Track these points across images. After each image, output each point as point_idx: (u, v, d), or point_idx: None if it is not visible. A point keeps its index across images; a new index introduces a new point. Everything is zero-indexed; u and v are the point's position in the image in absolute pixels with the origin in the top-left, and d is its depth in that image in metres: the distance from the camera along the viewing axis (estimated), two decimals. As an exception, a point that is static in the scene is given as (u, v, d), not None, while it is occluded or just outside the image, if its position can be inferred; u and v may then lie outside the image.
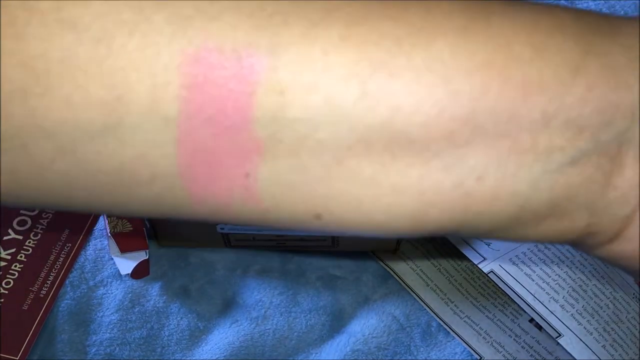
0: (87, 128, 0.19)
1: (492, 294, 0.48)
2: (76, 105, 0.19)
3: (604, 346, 0.45)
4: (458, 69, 0.19)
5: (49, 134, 0.20)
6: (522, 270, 0.48)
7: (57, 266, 0.47)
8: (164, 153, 0.20)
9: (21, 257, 0.47)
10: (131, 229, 0.46)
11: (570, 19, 0.21)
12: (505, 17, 0.20)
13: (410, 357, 0.45)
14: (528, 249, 0.48)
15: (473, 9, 0.20)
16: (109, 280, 0.47)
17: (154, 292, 0.47)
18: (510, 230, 0.22)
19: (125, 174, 0.20)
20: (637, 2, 0.62)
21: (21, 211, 0.49)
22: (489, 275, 0.47)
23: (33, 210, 0.49)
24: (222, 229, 0.46)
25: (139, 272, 0.47)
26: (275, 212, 0.21)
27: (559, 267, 0.48)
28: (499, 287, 0.47)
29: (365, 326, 0.46)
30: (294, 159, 0.20)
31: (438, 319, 0.47)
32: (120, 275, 0.47)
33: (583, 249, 0.24)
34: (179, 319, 0.46)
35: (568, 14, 0.21)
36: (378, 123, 0.20)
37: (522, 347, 0.45)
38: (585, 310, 0.46)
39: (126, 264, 0.47)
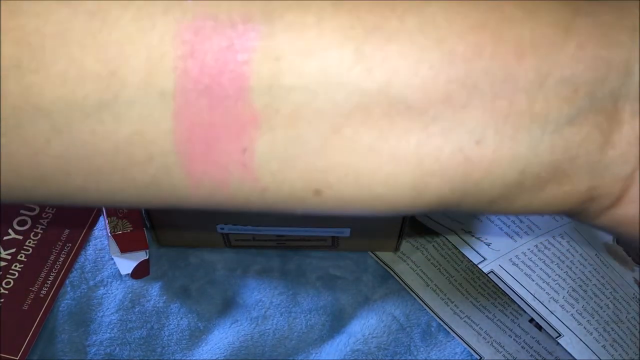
0: (83, 104, 0.19)
1: (492, 294, 0.48)
2: (71, 81, 0.19)
3: (604, 346, 0.45)
4: (451, 31, 0.20)
5: (44, 112, 0.19)
6: (522, 270, 0.48)
7: (57, 266, 0.47)
8: (161, 129, 0.20)
9: (21, 257, 0.47)
10: (131, 228, 0.46)
11: None
12: None
13: (410, 357, 0.45)
14: (528, 249, 0.48)
15: None
16: (109, 280, 0.47)
17: (154, 292, 0.47)
18: (512, 199, 0.22)
19: (120, 154, 0.20)
20: None
21: (21, 211, 0.49)
22: (488, 275, 0.47)
23: (33, 210, 0.49)
24: (222, 229, 0.46)
25: (139, 272, 0.47)
26: (273, 190, 0.21)
27: (559, 267, 0.48)
28: (499, 287, 0.47)
29: (365, 326, 0.46)
30: (291, 129, 0.20)
31: (438, 319, 0.47)
32: (120, 275, 0.47)
33: (586, 219, 0.23)
34: (179, 319, 0.46)
35: None
36: (375, 88, 0.20)
37: (522, 347, 0.45)
38: (585, 310, 0.46)
39: (126, 264, 0.47)
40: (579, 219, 0.23)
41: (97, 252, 0.49)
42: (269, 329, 0.46)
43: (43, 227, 0.49)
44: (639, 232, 0.23)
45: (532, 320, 0.46)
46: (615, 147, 0.21)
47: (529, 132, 0.20)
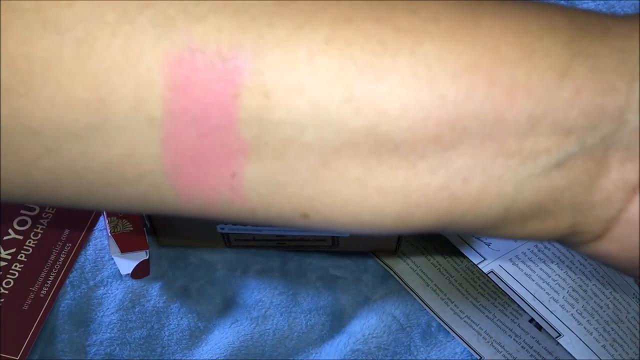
0: (72, 128, 0.19)
1: (492, 294, 0.48)
2: (60, 106, 0.19)
3: (604, 346, 0.45)
4: (444, 73, 0.19)
5: (34, 133, 0.20)
6: (522, 270, 0.48)
7: (57, 266, 0.47)
8: (149, 153, 0.20)
9: (21, 257, 0.47)
10: (131, 228, 0.46)
11: (561, 19, 0.20)
12: (494, 18, 0.20)
13: (410, 357, 0.45)
14: (528, 249, 0.48)
15: (462, 9, 0.20)
16: (109, 280, 0.47)
17: (154, 292, 0.47)
18: (495, 230, 0.22)
19: (111, 172, 0.20)
20: (637, 2, 0.62)
21: (21, 211, 0.49)
22: (488, 275, 0.47)
23: (33, 210, 0.50)
24: (222, 229, 0.46)
25: (139, 272, 0.47)
26: (262, 211, 0.21)
27: (559, 267, 0.48)
28: (499, 287, 0.47)
29: (365, 326, 0.46)
30: (280, 160, 0.20)
31: (438, 319, 0.47)
32: (120, 275, 0.47)
33: (569, 246, 0.24)
34: (179, 319, 0.46)
35: (559, 14, 0.21)
36: (364, 127, 0.19)
37: (522, 347, 0.45)
38: (585, 310, 0.46)
39: (126, 264, 0.47)
40: (563, 245, 0.24)
41: (97, 252, 0.49)
42: (269, 329, 0.46)
43: (43, 227, 0.49)
44: (618, 267, 0.23)
45: (532, 320, 0.46)
46: (601, 191, 0.21)
47: (516, 172, 0.20)
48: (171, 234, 0.48)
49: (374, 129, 0.20)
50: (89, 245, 0.49)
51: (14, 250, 0.47)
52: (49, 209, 0.50)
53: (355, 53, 0.19)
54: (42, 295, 0.46)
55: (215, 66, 0.19)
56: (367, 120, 0.19)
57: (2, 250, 0.47)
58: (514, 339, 0.46)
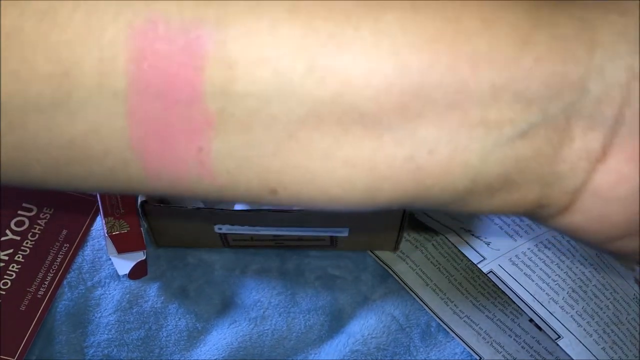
0: (36, 102, 0.19)
1: (492, 294, 0.47)
2: (23, 80, 0.19)
3: (603, 348, 0.44)
4: (407, 43, 0.20)
5: None
6: (521, 270, 0.47)
7: (54, 267, 0.47)
8: (115, 127, 0.20)
9: (19, 257, 0.47)
10: (129, 229, 0.46)
11: None
12: None
13: (409, 358, 0.45)
14: (528, 249, 0.48)
15: None
16: (107, 280, 0.47)
17: (152, 293, 0.47)
18: (463, 203, 0.22)
19: (77, 148, 0.20)
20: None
21: (19, 212, 0.49)
22: (488, 275, 0.47)
23: (31, 211, 0.49)
24: (220, 229, 0.46)
25: (137, 272, 0.47)
26: (230, 187, 0.22)
27: (559, 267, 0.48)
28: (499, 287, 0.47)
29: (365, 326, 0.46)
30: (246, 133, 0.20)
31: (437, 319, 0.46)
32: (118, 275, 0.47)
33: (537, 220, 0.24)
34: (177, 319, 0.46)
35: None
36: (328, 97, 0.20)
37: (522, 347, 0.45)
38: (585, 311, 0.46)
39: (124, 265, 0.47)
40: (531, 219, 0.24)
41: (94, 252, 0.48)
42: (267, 329, 0.46)
43: (41, 227, 0.49)
44: (584, 239, 0.23)
45: (532, 320, 0.46)
46: (565, 161, 0.21)
47: (481, 143, 0.21)
48: (169, 234, 0.47)
49: (338, 99, 0.20)
50: (87, 245, 0.49)
51: (11, 251, 0.47)
52: (46, 210, 0.50)
53: (318, 23, 0.19)
54: (39, 296, 0.46)
55: (178, 38, 0.19)
56: (331, 90, 0.20)
57: (-1, 252, 0.47)
58: (513, 339, 0.45)
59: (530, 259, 0.48)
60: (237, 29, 0.19)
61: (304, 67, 0.19)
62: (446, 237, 0.50)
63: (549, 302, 0.46)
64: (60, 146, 0.20)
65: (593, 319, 0.45)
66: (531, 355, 0.45)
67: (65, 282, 0.47)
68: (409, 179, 0.21)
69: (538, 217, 0.24)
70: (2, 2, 0.19)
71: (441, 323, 0.46)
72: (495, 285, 0.47)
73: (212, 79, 0.19)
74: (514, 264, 0.48)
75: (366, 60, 0.19)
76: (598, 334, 0.45)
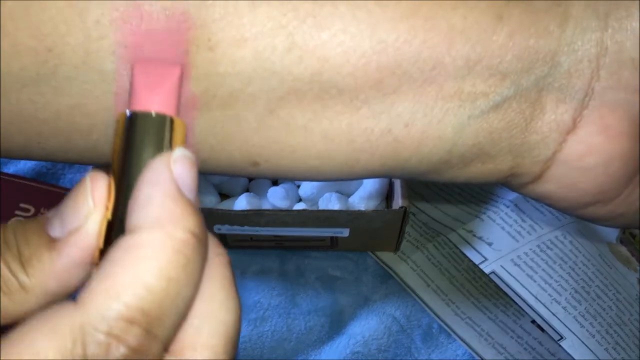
0: (20, 76, 0.20)
1: (494, 295, 0.47)
2: (6, 54, 0.19)
3: (606, 349, 0.44)
4: (384, 18, 0.20)
5: None
6: (524, 271, 0.47)
7: (52, 268, 0.47)
8: (102, 105, 0.20)
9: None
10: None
11: None
12: None
13: (410, 359, 0.45)
14: (530, 249, 0.48)
15: None
16: (106, 281, 0.47)
17: (150, 294, 0.46)
18: (439, 173, 0.23)
19: (62, 122, 0.21)
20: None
21: (17, 212, 0.49)
22: (490, 276, 0.47)
23: (29, 212, 0.49)
24: (219, 229, 0.45)
25: (136, 273, 0.46)
26: (213, 161, 0.22)
27: (561, 267, 0.47)
28: (501, 288, 0.47)
29: (365, 328, 0.46)
30: (228, 110, 0.21)
31: (439, 320, 0.46)
32: (116, 276, 0.47)
33: (512, 188, 0.25)
34: (176, 321, 0.45)
35: None
36: (307, 75, 0.20)
37: (525, 348, 0.45)
38: (588, 312, 0.45)
39: (123, 266, 0.46)
40: (505, 187, 0.25)
41: (93, 253, 0.48)
42: (267, 330, 0.45)
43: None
44: (556, 205, 0.24)
45: (534, 321, 0.46)
46: (537, 133, 0.22)
47: (455, 115, 0.21)
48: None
49: (317, 77, 0.20)
50: (85, 246, 0.48)
51: (9, 251, 0.47)
52: (44, 210, 0.49)
53: (296, 2, 0.20)
54: (37, 298, 0.45)
55: (162, 21, 0.19)
56: (310, 68, 0.20)
57: (-4, 252, 0.46)
58: (515, 340, 0.45)
59: (532, 259, 0.47)
60: (216, 10, 0.19)
61: (283, 46, 0.20)
62: (447, 238, 0.49)
63: (551, 302, 0.46)
64: (45, 119, 0.21)
65: (596, 320, 0.45)
66: (533, 357, 0.44)
67: (63, 283, 0.47)
68: (386, 151, 0.22)
69: (511, 185, 0.24)
70: None
71: (442, 324, 0.46)
72: (497, 286, 0.47)
73: (195, 62, 0.20)
74: (516, 264, 0.47)
75: (344, 38, 0.20)
76: (601, 335, 0.44)
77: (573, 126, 0.22)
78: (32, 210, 0.49)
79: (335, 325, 0.46)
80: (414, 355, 0.45)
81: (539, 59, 0.21)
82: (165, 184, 0.18)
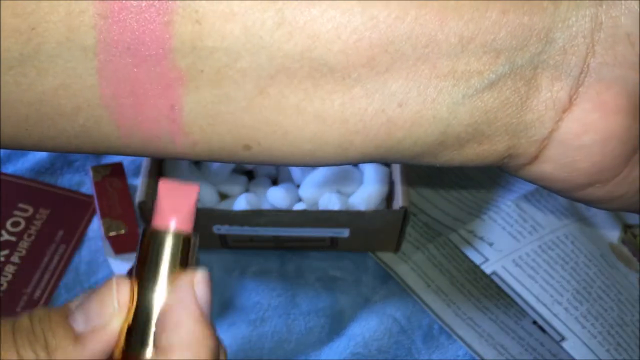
0: (4, 57, 0.19)
1: (495, 295, 0.47)
2: None
3: (608, 350, 0.44)
4: None
5: None
6: (525, 271, 0.47)
7: (51, 268, 0.46)
8: (86, 84, 0.20)
9: (15, 259, 0.46)
10: (126, 230, 0.45)
11: None
12: None
13: (411, 360, 0.44)
14: (531, 250, 0.48)
15: None
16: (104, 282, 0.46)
17: (149, 294, 0.46)
18: (434, 155, 0.23)
19: (47, 105, 0.21)
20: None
21: (15, 212, 0.49)
22: (491, 276, 0.47)
23: (27, 212, 0.49)
24: (219, 229, 0.45)
25: (135, 273, 0.46)
26: (204, 144, 0.22)
27: (562, 268, 0.47)
28: (502, 289, 0.46)
29: (366, 328, 0.45)
30: (217, 88, 0.20)
31: (440, 321, 0.46)
32: (115, 277, 0.47)
33: (507, 170, 0.24)
34: (175, 321, 0.45)
35: None
36: (297, 52, 0.20)
37: (526, 349, 0.44)
38: (589, 313, 0.45)
39: (121, 266, 0.46)
40: (502, 170, 0.25)
41: (91, 253, 0.48)
42: (267, 331, 0.45)
43: (37, 228, 0.48)
44: (554, 187, 0.24)
45: (535, 322, 0.45)
46: (532, 111, 0.22)
47: (450, 94, 0.21)
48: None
49: (308, 53, 0.20)
50: (83, 246, 0.48)
51: (7, 252, 0.46)
52: (43, 210, 0.49)
53: None
54: (35, 298, 0.45)
55: None
56: (300, 44, 0.20)
57: (-6, 253, 0.46)
58: (517, 341, 0.45)
59: (533, 260, 0.47)
60: None
61: (273, 22, 0.19)
62: (448, 238, 0.49)
63: (552, 303, 0.45)
64: (30, 103, 0.20)
65: (597, 321, 0.45)
66: (534, 358, 0.44)
67: (62, 283, 0.46)
68: (380, 132, 0.22)
69: (508, 168, 0.24)
70: None
71: (443, 325, 0.46)
72: (498, 286, 0.46)
73: (180, 34, 0.19)
74: (517, 265, 0.47)
75: (335, 13, 0.20)
76: (602, 336, 0.44)
77: (569, 104, 0.22)
78: (31, 210, 0.49)
79: (336, 326, 0.46)
80: (415, 356, 0.45)
81: (533, 36, 0.21)
82: (191, 307, 0.20)
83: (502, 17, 0.20)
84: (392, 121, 0.21)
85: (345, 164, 0.23)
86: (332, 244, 0.47)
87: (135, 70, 0.20)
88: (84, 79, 0.20)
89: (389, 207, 0.47)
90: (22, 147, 0.23)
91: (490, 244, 0.48)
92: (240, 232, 0.45)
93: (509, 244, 0.48)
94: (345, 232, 0.46)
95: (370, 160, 0.23)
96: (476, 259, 0.48)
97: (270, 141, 0.22)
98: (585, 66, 0.21)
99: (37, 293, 0.45)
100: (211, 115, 0.21)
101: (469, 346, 0.45)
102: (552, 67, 0.21)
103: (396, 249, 0.48)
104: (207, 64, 0.20)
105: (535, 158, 0.23)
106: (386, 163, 0.46)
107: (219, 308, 0.46)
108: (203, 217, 0.44)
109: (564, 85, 0.21)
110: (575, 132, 0.22)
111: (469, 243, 0.49)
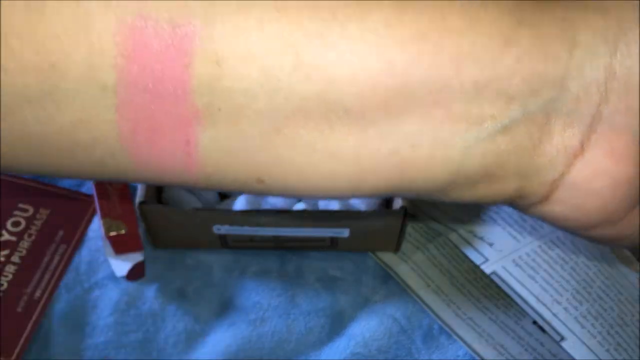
0: (24, 93, 0.20)
1: (495, 295, 0.47)
2: (11, 71, 0.19)
3: (607, 350, 0.44)
4: (392, 40, 0.20)
5: None
6: (525, 271, 0.47)
7: (51, 268, 0.46)
8: (104, 119, 0.20)
9: (15, 258, 0.46)
10: (126, 230, 0.45)
11: None
12: None
13: (411, 360, 0.44)
14: (531, 250, 0.48)
15: None
16: (104, 282, 0.47)
17: (149, 295, 0.46)
18: (445, 193, 0.23)
19: (65, 138, 0.21)
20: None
21: (15, 212, 0.49)
22: (491, 276, 0.47)
23: (27, 212, 0.49)
24: (219, 229, 0.45)
25: (135, 273, 0.46)
26: (218, 176, 0.22)
27: (562, 268, 0.47)
28: (502, 289, 0.46)
29: (366, 328, 0.45)
30: (233, 127, 0.21)
31: (440, 321, 0.46)
32: (115, 277, 0.47)
33: (517, 208, 0.25)
34: (175, 321, 0.45)
35: None
36: (314, 94, 0.20)
37: (526, 349, 0.44)
38: (589, 313, 0.45)
39: (121, 266, 0.46)
40: (512, 207, 0.25)
41: (91, 253, 0.48)
42: (267, 331, 0.45)
43: (37, 228, 0.48)
44: (564, 227, 0.25)
45: (535, 322, 0.45)
46: (544, 155, 0.22)
47: (462, 137, 0.21)
48: (167, 235, 0.47)
49: (324, 96, 0.20)
50: (84, 246, 0.48)
51: (7, 252, 0.46)
52: (43, 210, 0.49)
53: (305, 21, 0.20)
54: (36, 298, 0.45)
55: (167, 34, 0.19)
56: (316, 87, 0.20)
57: (-5, 253, 0.46)
58: (517, 341, 0.45)
59: (533, 260, 0.47)
60: (224, 26, 0.19)
61: (291, 65, 0.20)
62: (448, 238, 0.49)
63: (552, 303, 0.45)
64: (49, 136, 0.21)
65: (597, 321, 0.45)
66: (534, 358, 0.44)
67: (62, 283, 0.46)
68: (393, 171, 0.22)
69: (518, 206, 0.24)
70: None
71: (443, 325, 0.46)
72: (498, 286, 0.46)
73: (199, 75, 0.20)
74: (517, 265, 0.47)
75: (352, 58, 0.20)
76: (602, 336, 0.44)
77: (581, 149, 0.22)
78: (31, 210, 0.49)
79: (336, 326, 0.46)
80: (415, 356, 0.45)
81: (547, 84, 0.21)
82: None
83: (516, 64, 0.21)
84: (405, 161, 0.22)
85: (356, 198, 0.24)
86: (332, 244, 0.47)
87: (153, 108, 0.20)
88: (102, 115, 0.20)
89: (389, 207, 0.47)
90: (39, 175, 0.23)
91: (490, 244, 0.48)
92: (240, 232, 0.46)
93: (509, 244, 0.48)
94: (345, 232, 0.46)
95: (381, 196, 0.24)
96: (476, 259, 0.48)
97: (283, 177, 0.22)
98: (597, 114, 0.21)
99: (38, 293, 0.45)
100: (226, 151, 0.21)
101: (469, 346, 0.45)
102: (565, 114, 0.21)
103: (396, 249, 0.48)
104: (225, 104, 0.20)
105: (545, 199, 0.23)
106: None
107: (219, 308, 0.46)
108: (203, 217, 0.44)
109: (576, 132, 0.22)
110: (586, 176, 0.22)
111: (469, 243, 0.49)
